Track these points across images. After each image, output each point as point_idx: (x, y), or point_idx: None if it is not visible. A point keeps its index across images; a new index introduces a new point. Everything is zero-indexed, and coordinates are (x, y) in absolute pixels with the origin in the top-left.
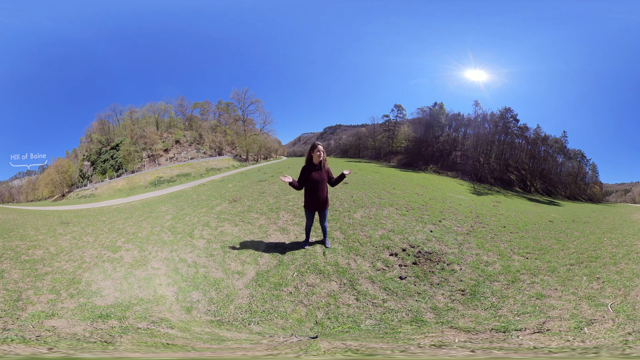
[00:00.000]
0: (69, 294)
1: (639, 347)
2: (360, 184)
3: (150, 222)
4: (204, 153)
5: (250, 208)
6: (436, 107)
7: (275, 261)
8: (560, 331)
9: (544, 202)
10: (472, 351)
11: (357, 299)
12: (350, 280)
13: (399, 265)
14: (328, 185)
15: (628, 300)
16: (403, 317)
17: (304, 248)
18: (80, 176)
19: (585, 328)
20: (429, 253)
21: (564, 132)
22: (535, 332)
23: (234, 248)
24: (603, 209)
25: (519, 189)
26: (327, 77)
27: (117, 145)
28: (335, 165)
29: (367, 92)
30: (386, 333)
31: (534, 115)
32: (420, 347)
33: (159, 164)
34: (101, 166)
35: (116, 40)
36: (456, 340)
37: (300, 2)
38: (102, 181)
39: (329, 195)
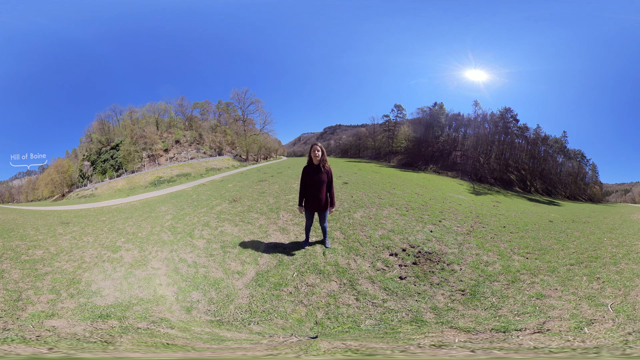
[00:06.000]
0: (69, 294)
1: (639, 347)
2: (360, 184)
3: (150, 222)
4: (204, 153)
5: (250, 208)
6: (436, 107)
7: (275, 261)
8: (560, 331)
9: (544, 202)
10: (472, 351)
11: (357, 299)
12: (350, 280)
13: (399, 265)
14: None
15: (628, 300)
16: (403, 317)
17: (304, 248)
18: (80, 176)
19: (586, 328)
20: (429, 253)
21: (564, 132)
22: (535, 332)
23: (234, 248)
24: (603, 209)
25: (519, 189)
26: (327, 77)
27: (117, 145)
28: (335, 165)
29: (367, 92)
30: (386, 333)
31: (534, 115)
32: (420, 347)
33: (159, 164)
34: (101, 166)
35: (116, 40)
36: (456, 340)
37: (300, 2)
38: (102, 181)
39: (329, 196)
